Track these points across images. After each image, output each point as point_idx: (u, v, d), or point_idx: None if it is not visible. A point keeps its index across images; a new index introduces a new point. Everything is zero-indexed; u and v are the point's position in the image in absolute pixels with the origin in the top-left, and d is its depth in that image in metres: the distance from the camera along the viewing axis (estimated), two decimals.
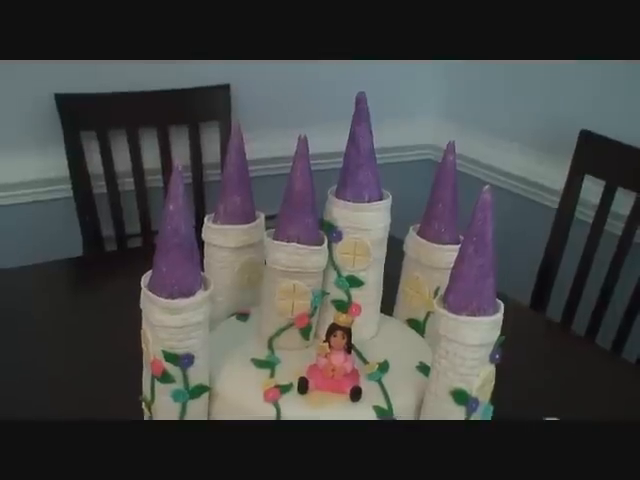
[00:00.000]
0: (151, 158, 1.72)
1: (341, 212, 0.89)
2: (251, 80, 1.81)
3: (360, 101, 0.86)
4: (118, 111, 1.68)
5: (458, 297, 0.77)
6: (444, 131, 2.04)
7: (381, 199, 0.89)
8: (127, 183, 1.72)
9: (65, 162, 1.64)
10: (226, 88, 1.77)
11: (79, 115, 1.64)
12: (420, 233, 0.95)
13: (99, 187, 1.69)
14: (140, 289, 1.30)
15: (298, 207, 0.85)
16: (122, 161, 1.69)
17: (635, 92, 1.57)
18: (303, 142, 0.84)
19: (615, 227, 1.52)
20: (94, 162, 1.67)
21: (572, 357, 1.25)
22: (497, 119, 1.91)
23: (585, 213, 1.58)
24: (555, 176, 1.63)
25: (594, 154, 1.54)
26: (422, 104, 2.07)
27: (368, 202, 0.88)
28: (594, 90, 1.65)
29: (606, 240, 1.52)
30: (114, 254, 1.70)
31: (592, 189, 1.55)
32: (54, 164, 1.64)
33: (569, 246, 1.58)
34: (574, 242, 1.57)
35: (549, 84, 1.75)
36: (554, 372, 1.17)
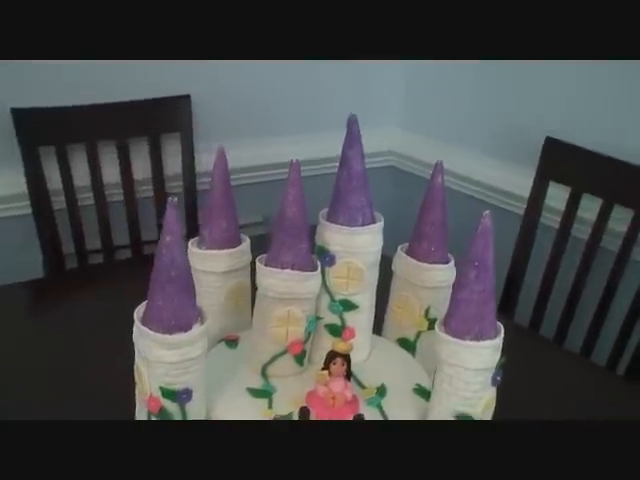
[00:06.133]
0: (112, 172, 1.68)
1: (334, 236, 0.88)
2: (211, 90, 1.78)
3: (351, 123, 0.85)
4: (76, 125, 1.63)
5: (460, 322, 0.77)
6: (406, 138, 2.04)
7: (374, 222, 0.89)
8: (88, 198, 1.67)
9: (22, 179, 1.58)
10: (186, 98, 1.74)
11: (36, 130, 1.58)
12: (409, 253, 0.95)
13: (58, 203, 1.64)
14: (105, 310, 1.27)
15: (292, 233, 0.83)
16: (82, 176, 1.64)
17: (598, 98, 1.59)
18: (295, 167, 0.83)
19: (581, 232, 1.55)
20: (53, 178, 1.62)
21: (541, 361, 1.26)
22: (460, 126, 1.92)
23: (551, 219, 1.60)
24: (521, 183, 1.65)
25: (559, 161, 1.56)
26: (383, 111, 2.07)
27: (362, 225, 0.87)
28: (558, 97, 1.67)
29: (572, 245, 1.55)
30: (75, 273, 1.66)
31: (558, 195, 1.57)
32: (11, 181, 1.59)
33: (536, 252, 1.60)
34: (541, 248, 1.59)
35: (513, 91, 1.77)
36: (524, 377, 1.19)
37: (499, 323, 0.79)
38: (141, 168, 1.71)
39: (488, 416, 0.81)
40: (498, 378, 0.79)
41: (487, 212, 0.76)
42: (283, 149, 1.91)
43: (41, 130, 1.59)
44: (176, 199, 0.75)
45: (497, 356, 0.78)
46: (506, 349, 1.27)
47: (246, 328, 0.96)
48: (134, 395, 0.82)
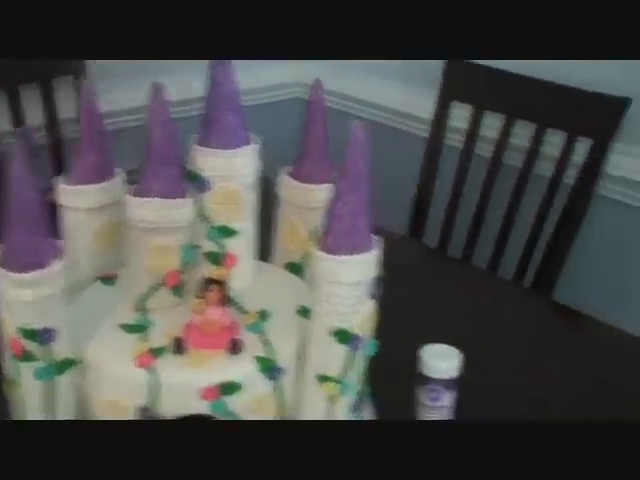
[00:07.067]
0: (3, 121, 1.60)
1: (207, 160, 0.83)
2: None
3: None
4: None
5: (335, 238, 0.74)
6: (310, 68, 1.99)
7: (248, 144, 0.85)
8: None
9: None
10: None
11: None
12: (293, 174, 0.92)
13: None
14: None
15: (160, 160, 0.79)
16: None
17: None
18: (158, 90, 0.78)
19: (485, 150, 1.54)
20: None
21: (449, 279, 1.28)
22: None
23: (455, 139, 1.59)
24: (425, 105, 1.63)
25: (461, 80, 1.54)
26: None
27: (236, 148, 0.83)
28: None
29: (477, 163, 1.54)
30: None
31: (461, 115, 1.55)
32: None
33: (441, 173, 1.59)
34: (446, 169, 1.58)
35: None
36: (434, 295, 1.20)
37: (377, 237, 0.77)
38: (34, 115, 1.64)
39: (367, 330, 0.79)
40: (376, 291, 0.77)
41: (356, 122, 0.73)
42: (180, 86, 1.84)
43: None
44: (25, 128, 0.70)
45: (373, 269, 0.76)
46: (415, 269, 1.28)
47: (125, 266, 0.92)
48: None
